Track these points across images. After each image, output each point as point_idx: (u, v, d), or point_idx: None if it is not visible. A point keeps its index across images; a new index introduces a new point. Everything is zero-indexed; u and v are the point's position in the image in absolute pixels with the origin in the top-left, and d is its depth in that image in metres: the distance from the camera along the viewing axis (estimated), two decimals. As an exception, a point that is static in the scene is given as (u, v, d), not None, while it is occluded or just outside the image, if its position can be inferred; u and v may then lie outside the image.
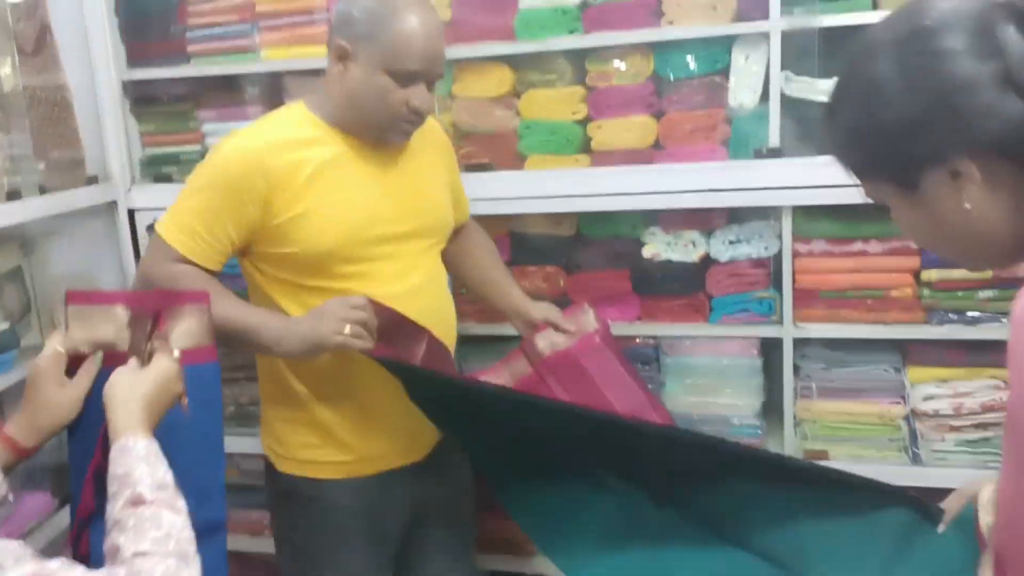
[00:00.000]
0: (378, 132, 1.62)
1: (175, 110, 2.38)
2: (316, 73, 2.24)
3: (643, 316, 2.17)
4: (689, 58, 2.04)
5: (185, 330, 1.35)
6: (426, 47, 1.53)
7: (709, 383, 2.14)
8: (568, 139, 2.14)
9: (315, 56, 2.21)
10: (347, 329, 1.50)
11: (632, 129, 2.10)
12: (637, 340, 2.18)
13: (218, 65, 2.29)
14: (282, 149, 1.57)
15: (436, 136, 1.84)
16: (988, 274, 1.91)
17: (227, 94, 2.36)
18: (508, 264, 2.08)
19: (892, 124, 0.85)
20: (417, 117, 1.60)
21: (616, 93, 2.10)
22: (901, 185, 0.88)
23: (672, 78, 2.06)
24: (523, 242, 2.23)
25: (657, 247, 2.12)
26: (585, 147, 2.15)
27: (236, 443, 2.08)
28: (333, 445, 1.70)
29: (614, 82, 2.10)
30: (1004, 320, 1.92)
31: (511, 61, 2.14)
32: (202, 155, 2.38)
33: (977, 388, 1.96)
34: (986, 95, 0.79)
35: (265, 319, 1.58)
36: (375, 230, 1.64)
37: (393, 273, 1.66)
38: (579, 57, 2.12)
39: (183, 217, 1.60)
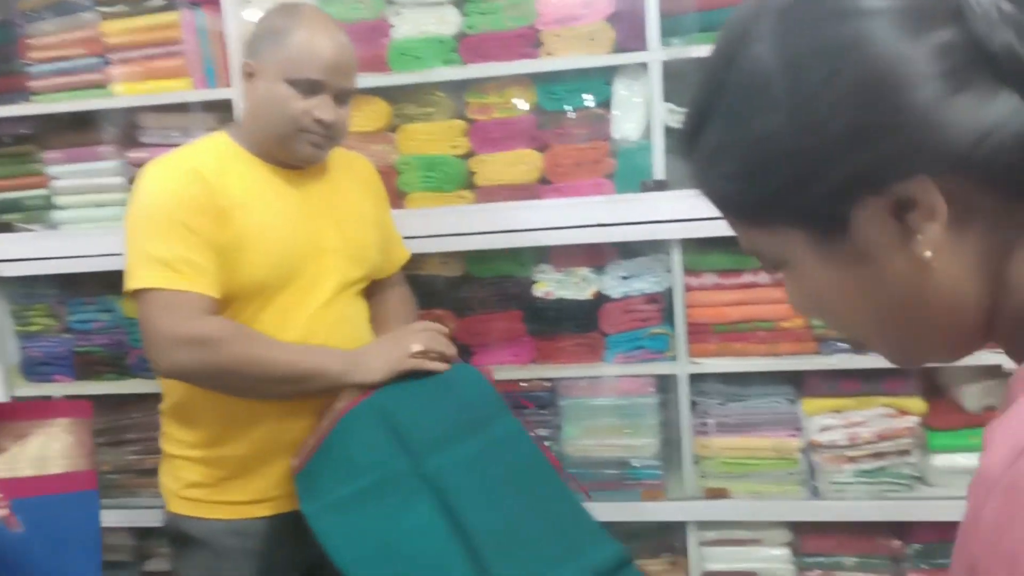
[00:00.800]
0: (284, 147, 1.52)
1: (16, 152, 2.16)
2: (178, 109, 2.08)
3: (538, 358, 2.08)
4: (570, 90, 1.98)
5: (59, 451, 1.17)
6: (329, 56, 1.48)
7: (607, 424, 2.06)
8: (449, 175, 2.04)
9: (173, 90, 2.06)
10: (416, 347, 1.50)
11: (516, 163, 2.01)
12: (532, 383, 2.08)
13: (64, 102, 2.10)
14: (203, 176, 1.48)
15: (365, 173, 1.74)
16: (875, 302, 1.90)
17: (77, 133, 2.16)
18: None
19: (792, 136, 0.53)
20: (325, 131, 1.51)
21: (498, 126, 2.02)
22: (813, 230, 0.55)
23: (554, 111, 1.99)
24: (409, 284, 2.10)
25: (549, 285, 2.04)
26: (468, 183, 2.05)
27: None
28: (225, 485, 1.59)
29: (495, 115, 2.02)
30: (893, 348, 1.91)
31: (386, 94, 2.03)
32: (48, 200, 2.17)
33: (871, 417, 1.95)
34: (937, 82, 0.49)
35: (325, 357, 1.51)
36: (300, 261, 1.54)
37: (313, 307, 1.56)
38: (458, 89, 2.03)
39: (166, 255, 1.44)
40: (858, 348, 0.56)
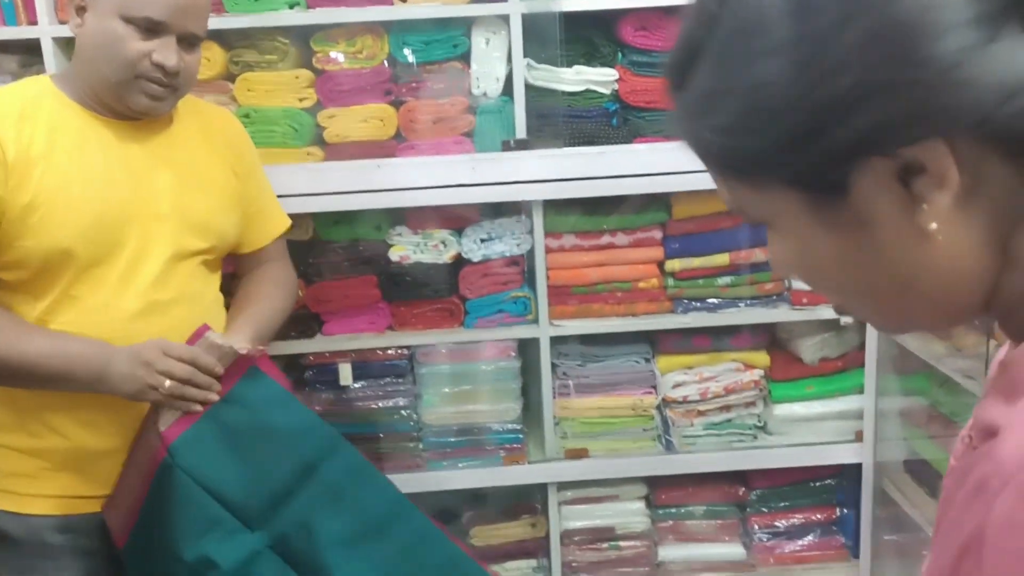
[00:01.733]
0: (117, 95, 1.33)
1: None
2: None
3: (395, 325, 1.99)
4: (427, 41, 1.87)
5: None
6: None
7: (468, 391, 2.01)
8: (296, 129, 1.88)
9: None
10: (166, 384, 1.30)
11: (369, 119, 1.89)
12: (389, 351, 1.99)
13: None
14: (9, 121, 1.29)
15: (225, 130, 1.54)
16: (725, 260, 1.97)
17: None
18: (231, 275, 1.75)
19: (795, 86, 0.47)
20: (166, 79, 1.32)
21: (348, 77, 1.88)
22: (810, 192, 0.51)
23: (409, 63, 1.88)
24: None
25: (405, 249, 1.94)
26: (317, 138, 1.91)
27: None
28: (48, 477, 1.41)
29: (345, 65, 1.87)
30: (742, 305, 1.99)
31: (222, 38, 1.84)
32: None
33: (720, 372, 2.03)
34: (966, 30, 0.43)
35: (76, 360, 1.31)
36: (119, 228, 1.35)
37: (141, 283, 1.37)
38: (304, 36, 1.87)
39: None
40: (840, 313, 0.53)
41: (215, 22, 1.77)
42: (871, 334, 2.01)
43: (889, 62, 0.44)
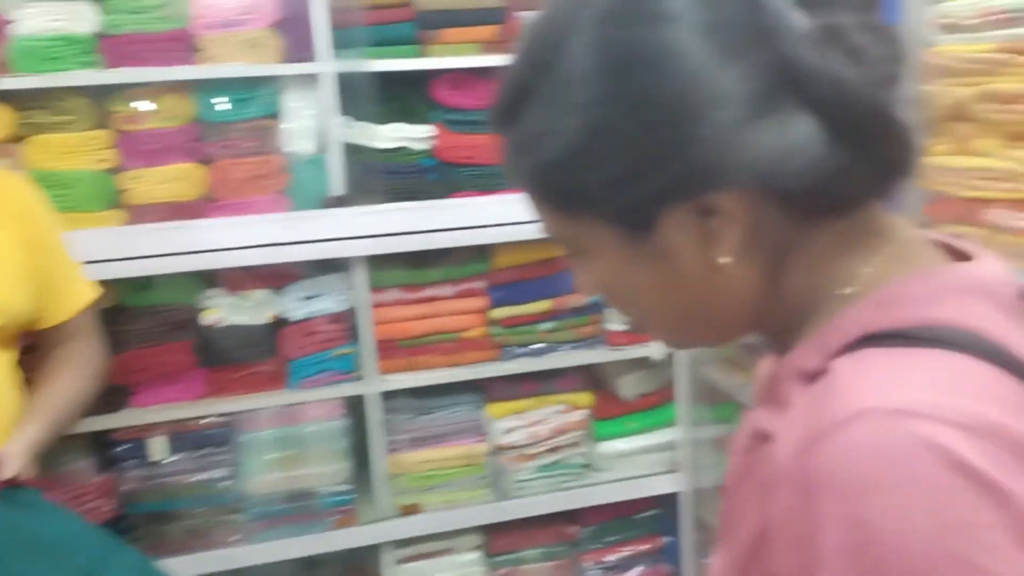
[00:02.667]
0: None
1: None
2: None
3: (211, 392, 1.89)
4: (236, 100, 1.83)
5: None
6: None
7: (294, 455, 1.94)
8: (91, 192, 1.77)
9: None
10: None
11: (175, 179, 1.81)
12: (206, 421, 1.89)
13: None
14: None
15: (14, 199, 1.42)
16: (547, 306, 2.04)
17: None
18: (30, 349, 1.61)
19: (607, 140, 0.53)
20: None
21: (151, 137, 1.80)
22: (622, 228, 0.56)
23: (218, 122, 1.83)
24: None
25: (220, 311, 1.86)
26: (118, 201, 1.80)
27: None
28: None
29: (148, 125, 1.80)
30: (565, 349, 2.07)
31: (10, 98, 1.71)
32: None
33: (548, 414, 2.09)
34: (742, 105, 0.50)
35: None
36: None
37: None
38: (102, 96, 1.77)
39: None
40: (638, 331, 0.62)
41: (2, 83, 1.67)
42: (680, 369, 2.15)
43: (674, 129, 0.51)
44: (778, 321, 0.58)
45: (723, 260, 0.54)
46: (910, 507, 0.43)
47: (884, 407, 0.45)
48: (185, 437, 1.89)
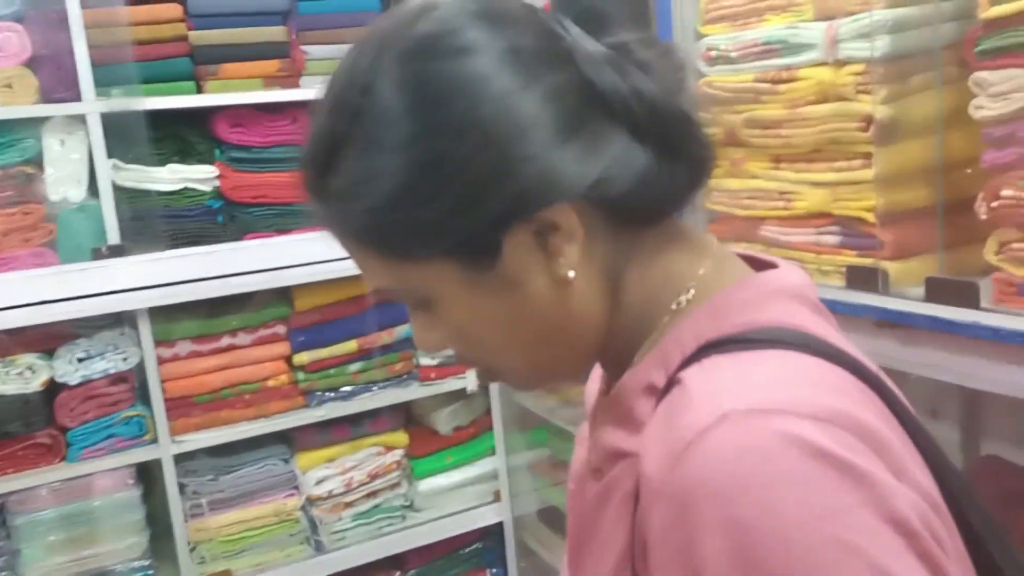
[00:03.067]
0: None
1: None
2: None
3: (-26, 474, 1.67)
4: (-14, 145, 1.65)
5: None
6: None
7: (81, 534, 1.75)
8: None
9: None
10: None
11: (-85, 236, 1.60)
12: (-31, 508, 1.67)
13: None
14: None
15: None
16: (353, 346, 1.97)
17: None
18: None
19: (432, 174, 0.52)
20: None
21: None
22: (465, 259, 0.54)
23: (-34, 169, 1.64)
24: None
25: (-20, 382, 1.65)
26: None
27: None
28: None
29: None
30: (376, 389, 2.00)
31: None
32: None
33: (362, 459, 2.01)
34: (550, 126, 0.52)
35: None
36: None
37: None
38: None
39: None
40: (489, 379, 0.57)
41: None
42: (495, 397, 2.15)
43: (496, 151, 0.52)
44: (620, 339, 0.58)
45: (568, 273, 0.55)
46: (781, 500, 0.44)
47: (741, 408, 0.46)
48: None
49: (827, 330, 0.55)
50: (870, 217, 1.12)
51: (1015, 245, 0.96)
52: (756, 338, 0.51)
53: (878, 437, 0.47)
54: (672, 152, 0.55)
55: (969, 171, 1.02)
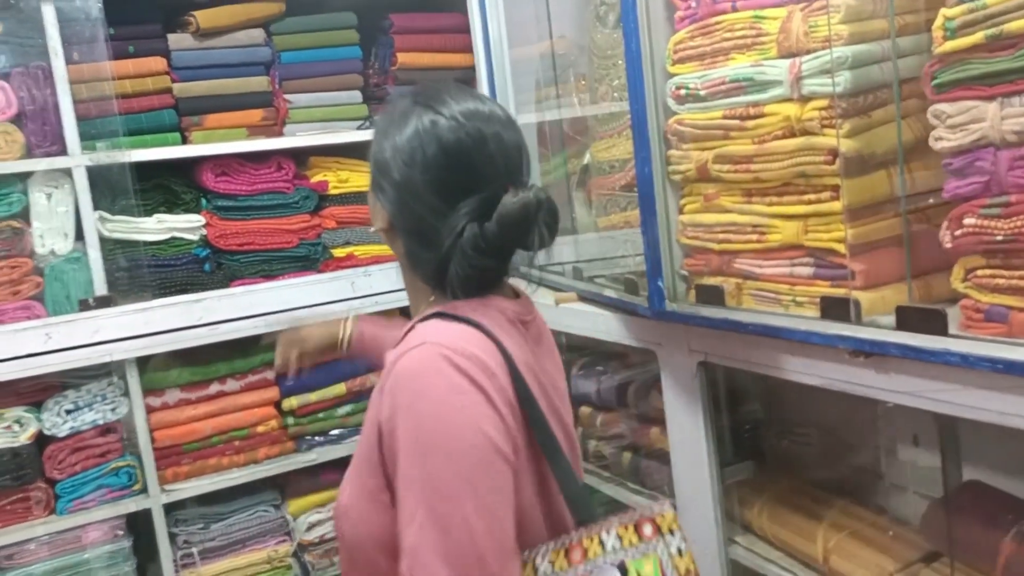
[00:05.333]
0: None
1: None
2: None
3: (-39, 530, 1.67)
4: (-27, 201, 1.67)
5: None
6: None
7: (69, 588, 1.74)
8: None
9: None
10: None
11: (-98, 293, 1.61)
12: (-43, 564, 1.66)
13: None
14: None
15: None
16: (342, 390, 1.98)
17: None
18: None
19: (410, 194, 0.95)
20: None
21: None
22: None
23: (-47, 226, 1.65)
24: None
25: (-33, 437, 1.65)
26: None
27: None
28: None
29: None
30: (364, 432, 2.00)
31: None
32: None
33: (353, 503, 2.00)
34: (440, 201, 0.93)
35: None
36: None
37: None
38: None
39: None
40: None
41: None
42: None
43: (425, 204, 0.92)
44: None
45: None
46: (435, 392, 0.82)
47: (430, 341, 0.84)
48: (-68, 588, 1.65)
49: (506, 333, 0.91)
50: (841, 248, 1.13)
51: (980, 272, 0.97)
52: (456, 317, 0.89)
53: (492, 374, 0.84)
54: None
55: (932, 200, 1.04)
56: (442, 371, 0.82)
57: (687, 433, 1.40)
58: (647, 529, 0.93)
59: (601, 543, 0.92)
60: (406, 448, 0.81)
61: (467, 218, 0.90)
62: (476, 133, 0.92)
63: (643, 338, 1.46)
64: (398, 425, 0.81)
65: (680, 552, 0.93)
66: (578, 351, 1.87)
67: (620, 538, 0.93)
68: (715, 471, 1.40)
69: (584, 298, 1.63)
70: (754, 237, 1.28)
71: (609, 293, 1.54)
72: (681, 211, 1.40)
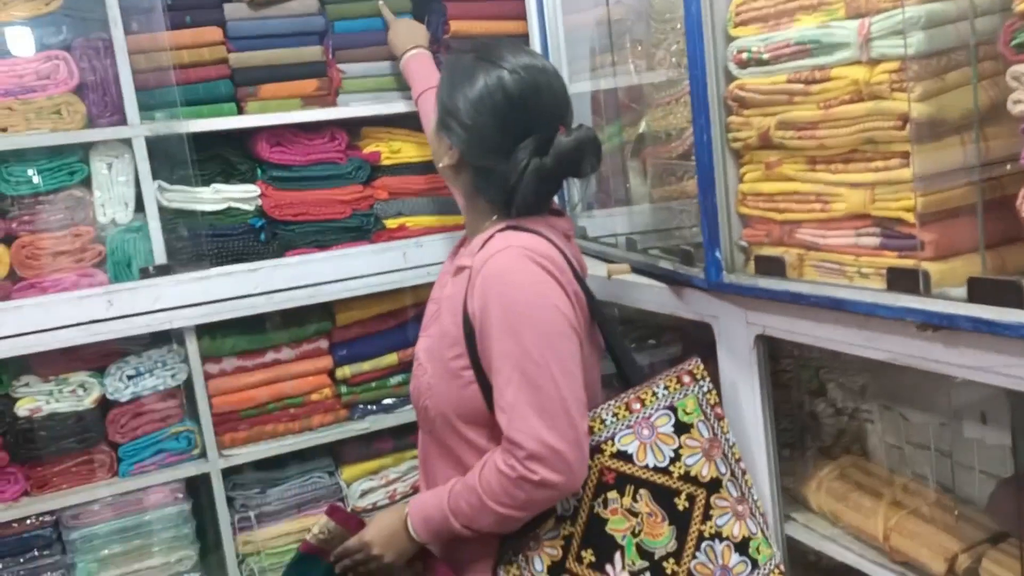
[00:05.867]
0: None
1: None
2: None
3: (32, 489, 1.72)
4: (40, 171, 1.70)
5: None
6: None
7: (133, 548, 1.79)
8: None
9: None
10: None
11: (-29, 261, 1.66)
12: (27, 522, 1.72)
13: None
14: None
15: None
16: (394, 359, 1.99)
17: None
18: None
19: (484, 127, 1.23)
20: None
21: (-61, 217, 1.64)
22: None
23: (20, 195, 1.69)
24: None
25: (35, 400, 1.70)
26: (-95, 290, 1.63)
27: None
28: None
29: (-67, 203, 1.64)
30: (416, 402, 2.01)
31: None
32: None
33: (406, 471, 2.02)
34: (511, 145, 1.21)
35: None
36: None
37: None
38: None
39: None
40: None
41: None
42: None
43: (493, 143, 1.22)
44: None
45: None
46: (522, 282, 1.12)
47: (513, 245, 1.13)
48: (3, 543, 1.71)
49: (558, 237, 1.21)
50: (910, 217, 1.09)
51: (1060, 242, 0.93)
52: (523, 228, 1.15)
53: (563, 269, 1.15)
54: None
55: (1008, 168, 0.99)
56: (527, 267, 1.11)
57: (743, 408, 1.38)
58: (686, 378, 1.27)
59: (654, 393, 1.24)
60: (500, 328, 1.09)
61: (530, 153, 1.15)
62: (533, 83, 1.15)
63: (699, 311, 1.44)
64: (492, 312, 1.10)
65: (710, 391, 1.28)
66: (630, 324, 1.85)
67: (667, 388, 1.25)
68: (772, 446, 1.37)
69: (637, 270, 1.60)
70: (818, 206, 1.24)
71: (664, 264, 1.52)
72: (741, 180, 1.36)
